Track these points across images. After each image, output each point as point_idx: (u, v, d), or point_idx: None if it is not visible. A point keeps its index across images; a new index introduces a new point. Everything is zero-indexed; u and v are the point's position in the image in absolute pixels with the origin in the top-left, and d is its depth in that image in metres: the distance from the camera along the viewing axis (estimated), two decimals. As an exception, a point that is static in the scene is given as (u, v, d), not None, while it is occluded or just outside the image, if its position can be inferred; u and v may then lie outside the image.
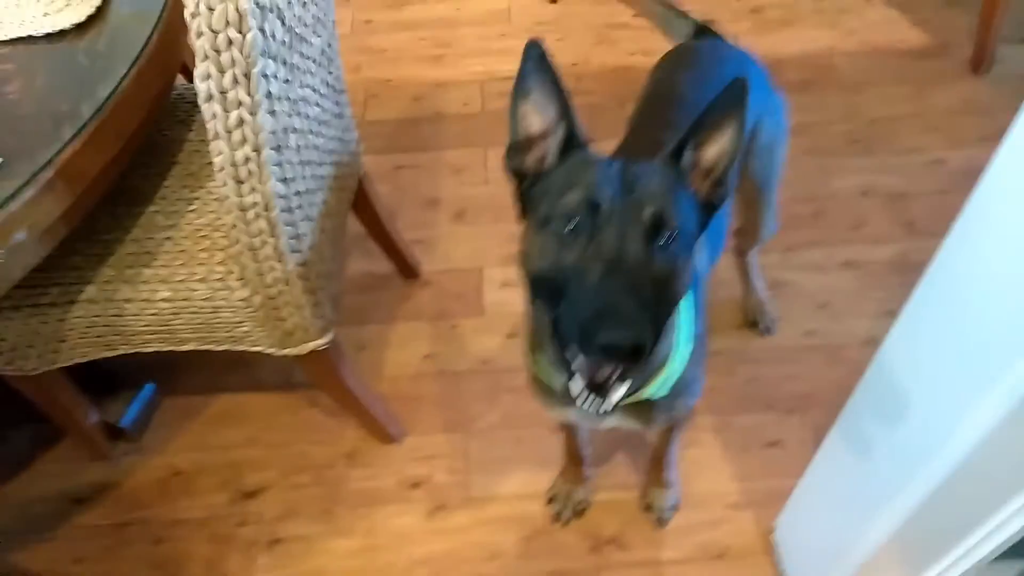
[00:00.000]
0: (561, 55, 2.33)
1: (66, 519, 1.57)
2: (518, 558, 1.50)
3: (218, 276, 1.26)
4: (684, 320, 1.05)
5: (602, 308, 0.78)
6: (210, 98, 1.00)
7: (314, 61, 1.27)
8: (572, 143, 0.93)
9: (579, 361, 0.84)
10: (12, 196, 0.98)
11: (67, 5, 1.24)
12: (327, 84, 1.38)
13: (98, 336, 1.31)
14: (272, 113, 1.07)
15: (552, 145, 0.94)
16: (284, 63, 1.10)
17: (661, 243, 0.84)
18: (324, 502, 1.58)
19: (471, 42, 2.60)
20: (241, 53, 0.97)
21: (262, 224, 1.14)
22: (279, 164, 1.12)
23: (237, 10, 0.94)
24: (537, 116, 0.92)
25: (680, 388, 1.08)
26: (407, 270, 1.93)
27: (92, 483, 1.61)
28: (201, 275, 1.27)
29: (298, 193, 1.20)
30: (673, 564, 1.49)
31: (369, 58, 2.55)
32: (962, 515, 0.94)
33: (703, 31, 1.47)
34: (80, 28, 1.21)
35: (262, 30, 1.00)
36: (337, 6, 2.70)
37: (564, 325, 0.83)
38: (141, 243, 1.31)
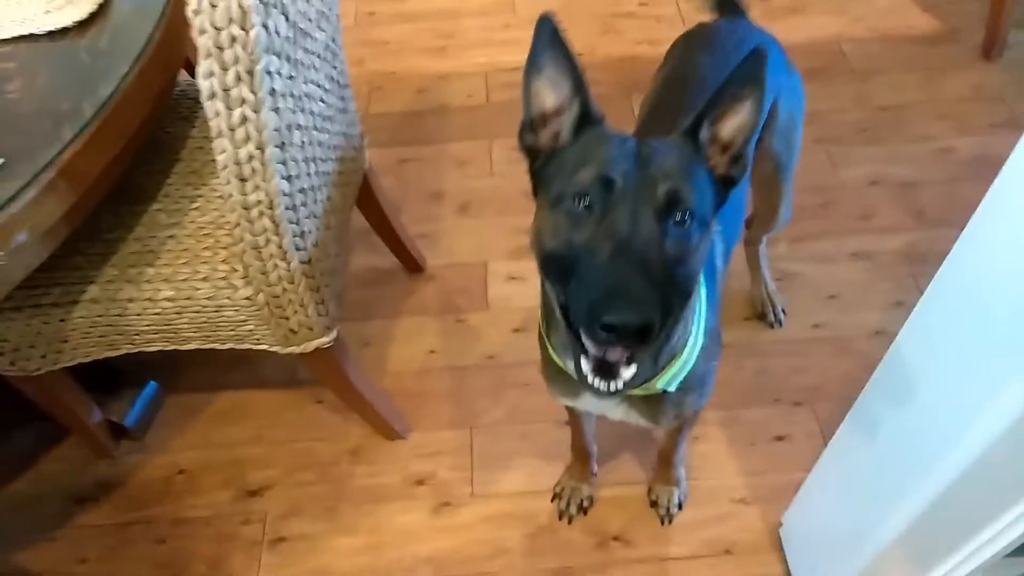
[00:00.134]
0: (566, 45, 2.31)
1: (69, 519, 1.56)
2: (523, 555, 1.49)
3: (221, 275, 1.25)
4: (700, 312, 1.04)
5: (611, 288, 0.76)
6: (213, 96, 0.99)
7: (318, 56, 1.26)
8: (587, 120, 0.92)
9: (589, 343, 0.83)
10: (13, 197, 0.97)
11: (68, 2, 1.23)
12: (331, 79, 1.36)
13: (101, 336, 1.30)
14: (276, 110, 1.06)
15: (566, 122, 0.92)
16: (288, 59, 1.08)
17: (675, 221, 0.83)
18: (328, 500, 1.57)
19: (475, 33, 2.58)
20: (244, 50, 0.96)
21: (266, 222, 1.13)
22: (283, 162, 1.10)
23: (240, 6, 0.93)
24: (551, 92, 0.91)
25: (692, 383, 1.07)
26: (412, 265, 1.92)
27: (95, 482, 1.61)
28: (204, 274, 1.26)
29: (302, 190, 1.19)
30: (679, 560, 1.48)
31: (372, 50, 2.53)
32: (976, 511, 0.92)
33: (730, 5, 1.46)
34: (82, 25, 1.20)
35: (265, 26, 0.98)
36: (340, -3, 2.70)
37: (573, 305, 0.82)
38: (144, 242, 1.30)
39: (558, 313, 0.90)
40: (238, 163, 1.05)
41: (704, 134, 0.90)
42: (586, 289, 0.79)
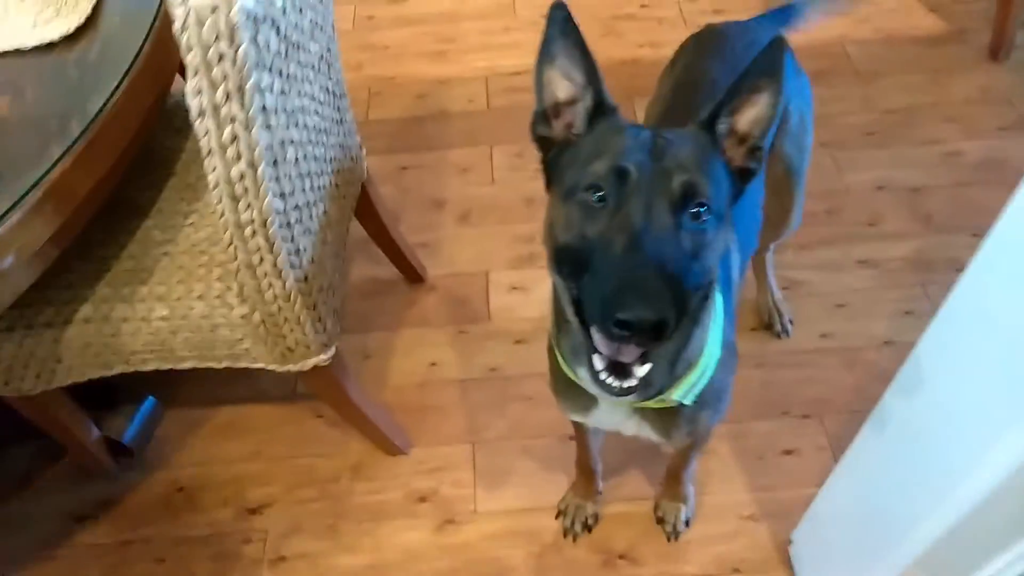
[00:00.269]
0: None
1: (68, 537, 1.54)
2: (528, 574, 1.47)
3: (216, 293, 1.23)
4: (718, 321, 1.01)
5: (624, 283, 0.74)
6: (202, 114, 0.96)
7: (313, 68, 1.23)
8: (600, 110, 0.90)
9: (601, 340, 0.81)
10: (-1, 219, 0.95)
11: (56, 15, 1.20)
12: (327, 90, 1.33)
13: (95, 355, 1.27)
14: (268, 127, 1.02)
15: (580, 112, 0.90)
16: (280, 74, 1.05)
17: (691, 214, 0.81)
18: (329, 517, 1.55)
19: (475, 37, 2.55)
20: (234, 67, 0.93)
21: (260, 241, 1.10)
22: (276, 179, 1.07)
23: (228, 22, 0.90)
24: (563, 82, 0.89)
25: (707, 397, 1.04)
26: (412, 275, 1.89)
27: (94, 500, 1.58)
28: (199, 292, 1.23)
29: (297, 207, 1.16)
30: (687, 578, 1.45)
31: (371, 55, 2.51)
32: (1001, 533, 0.89)
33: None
34: (71, 38, 1.17)
35: (255, 41, 0.95)
36: (339, 2, 2.69)
37: (586, 300, 0.79)
38: (137, 259, 1.27)
39: (569, 312, 0.89)
40: (230, 182, 1.02)
41: (721, 126, 0.88)
42: (599, 284, 0.77)
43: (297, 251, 1.17)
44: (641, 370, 0.82)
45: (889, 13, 2.51)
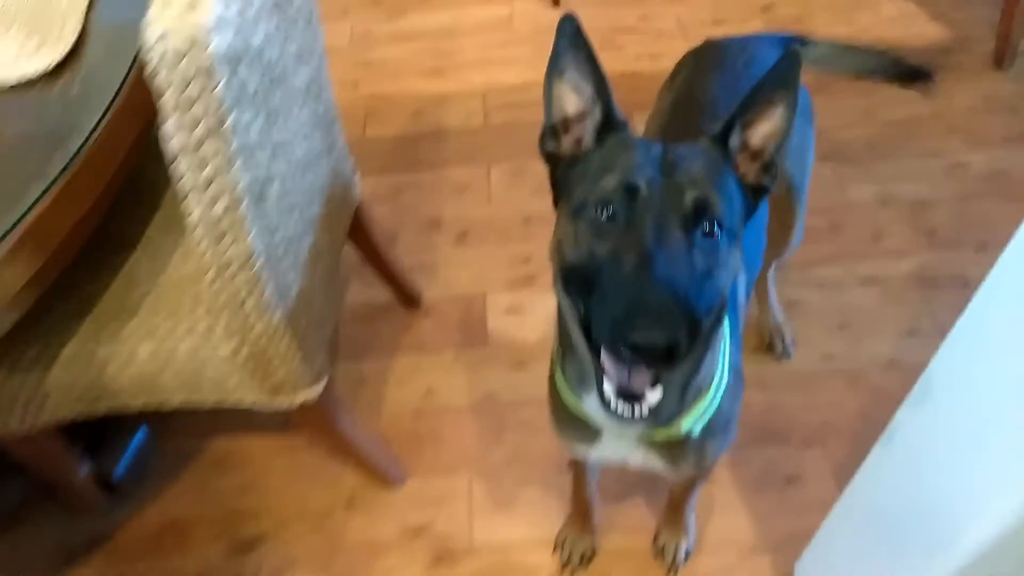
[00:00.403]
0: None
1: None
2: (525, 610, 1.44)
3: (203, 329, 1.20)
4: (724, 346, 0.98)
5: (635, 303, 0.72)
6: (179, 154, 0.94)
7: (299, 98, 1.20)
8: (610, 124, 0.87)
9: (611, 363, 0.78)
10: (-27, 265, 0.93)
11: (41, 46, 1.18)
12: (316, 116, 1.30)
13: (81, 395, 1.25)
14: (249, 164, 1.00)
15: (589, 127, 0.88)
16: (262, 109, 1.03)
17: (703, 231, 0.79)
18: (323, 554, 1.51)
19: (472, 52, 2.53)
20: (211, 106, 0.91)
21: (243, 279, 1.08)
22: (260, 216, 1.05)
23: (205, 60, 0.87)
24: (573, 96, 0.87)
25: (716, 427, 1.01)
26: (407, 298, 1.86)
27: (84, 537, 1.55)
28: (186, 327, 1.21)
29: (283, 241, 1.14)
30: (689, 612, 1.42)
31: (368, 72, 2.49)
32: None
33: None
34: (54, 71, 1.14)
35: (233, 79, 0.93)
36: (335, 18, 2.67)
37: (595, 322, 0.77)
38: (123, 295, 1.25)
39: (576, 334, 0.86)
40: (211, 222, 1.00)
41: (734, 140, 0.86)
42: (609, 304, 0.74)
43: (284, 286, 1.15)
44: (652, 395, 0.79)
45: (891, 22, 2.48)
